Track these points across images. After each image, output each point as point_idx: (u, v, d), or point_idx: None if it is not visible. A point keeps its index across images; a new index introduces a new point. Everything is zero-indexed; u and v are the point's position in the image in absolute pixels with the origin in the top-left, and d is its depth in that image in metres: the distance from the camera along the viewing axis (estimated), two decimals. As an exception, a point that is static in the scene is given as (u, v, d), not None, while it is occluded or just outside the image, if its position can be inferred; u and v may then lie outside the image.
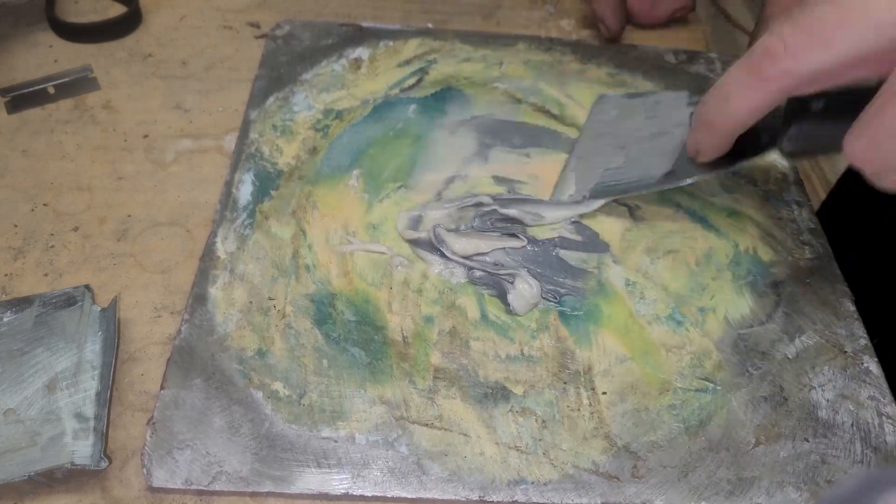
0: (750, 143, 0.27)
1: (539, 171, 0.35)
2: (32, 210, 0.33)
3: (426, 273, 0.31)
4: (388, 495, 0.25)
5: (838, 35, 0.21)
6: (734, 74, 0.24)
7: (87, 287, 0.29)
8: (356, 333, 0.29)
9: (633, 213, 0.34)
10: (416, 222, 0.33)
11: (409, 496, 0.25)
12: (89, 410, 0.25)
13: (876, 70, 0.22)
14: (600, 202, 0.32)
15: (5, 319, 0.28)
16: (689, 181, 0.30)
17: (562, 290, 0.31)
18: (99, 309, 0.28)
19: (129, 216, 0.33)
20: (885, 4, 0.20)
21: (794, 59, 0.22)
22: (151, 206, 0.34)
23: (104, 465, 0.24)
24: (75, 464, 0.24)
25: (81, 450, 0.24)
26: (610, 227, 0.33)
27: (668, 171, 0.30)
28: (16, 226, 0.32)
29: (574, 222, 0.33)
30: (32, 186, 0.34)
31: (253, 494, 0.25)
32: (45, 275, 0.31)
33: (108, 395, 0.26)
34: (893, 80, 0.21)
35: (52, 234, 0.32)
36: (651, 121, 0.33)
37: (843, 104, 0.24)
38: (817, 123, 0.25)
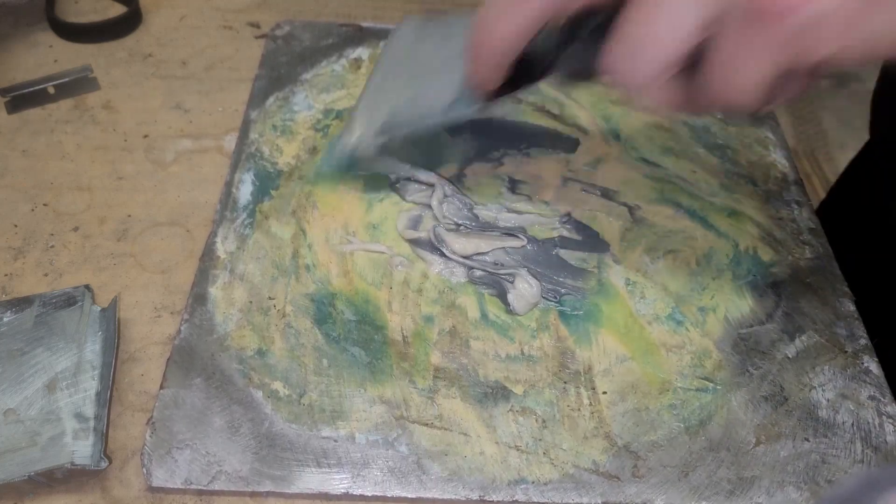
0: (528, 69, 0.25)
1: (540, 171, 0.35)
2: (32, 210, 0.33)
3: (426, 273, 0.31)
4: (388, 495, 0.25)
5: None
6: (496, 2, 0.23)
7: (87, 287, 0.29)
8: (356, 333, 0.29)
9: (632, 213, 0.34)
10: (416, 222, 0.33)
11: (409, 496, 0.25)
12: (89, 410, 0.25)
13: None
14: (382, 138, 0.31)
15: (5, 319, 0.28)
16: (468, 112, 0.28)
17: (562, 290, 0.31)
18: (99, 309, 0.28)
19: (129, 216, 0.33)
20: None
21: None
22: (151, 206, 0.34)
23: (104, 465, 0.24)
24: (75, 464, 0.24)
25: (81, 450, 0.24)
26: (610, 227, 0.33)
27: (452, 102, 0.29)
28: (16, 226, 0.32)
29: (574, 221, 0.33)
30: (32, 186, 0.34)
31: (253, 494, 0.25)
32: (45, 275, 0.31)
33: (108, 395, 0.26)
34: None
35: (52, 234, 0.32)
36: (444, 47, 0.30)
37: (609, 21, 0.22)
38: (592, 44, 0.23)
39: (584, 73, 0.24)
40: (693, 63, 0.21)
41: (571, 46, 0.24)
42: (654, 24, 0.20)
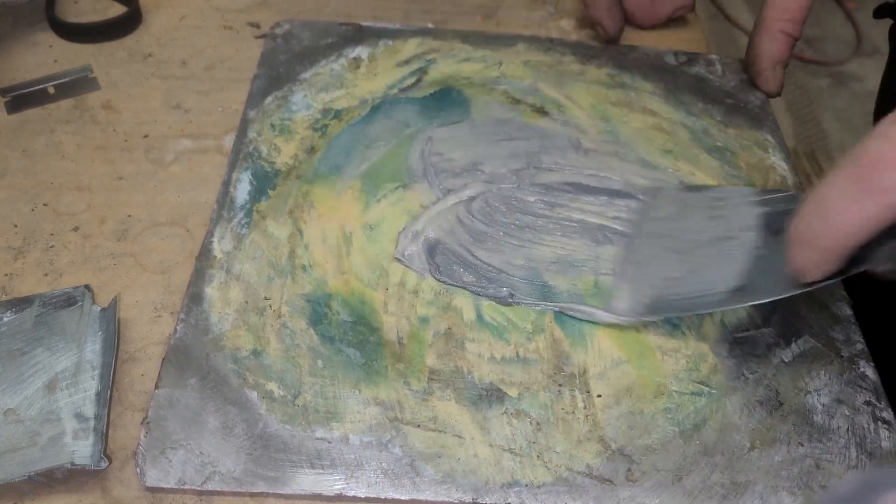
0: (858, 259, 0.23)
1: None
2: (32, 210, 0.33)
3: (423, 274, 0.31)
4: (382, 497, 0.25)
5: None
6: (838, 185, 0.21)
7: (87, 287, 0.29)
8: (351, 334, 0.29)
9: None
10: (415, 239, 0.32)
11: (403, 497, 0.25)
12: (89, 410, 0.25)
13: None
14: (657, 317, 0.29)
15: (5, 319, 0.28)
16: (766, 300, 0.26)
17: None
18: (99, 309, 0.28)
19: (129, 216, 0.33)
20: None
21: None
22: (151, 206, 0.34)
23: (104, 465, 0.24)
24: (75, 464, 0.24)
25: (81, 450, 0.24)
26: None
27: (739, 286, 0.27)
28: (16, 226, 0.33)
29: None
30: (32, 186, 0.34)
31: (253, 495, 0.25)
32: (45, 275, 0.31)
33: (108, 395, 0.26)
34: None
35: (52, 234, 0.32)
36: (713, 221, 0.29)
37: None
38: None
39: None
40: None
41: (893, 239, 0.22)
42: None
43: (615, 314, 0.29)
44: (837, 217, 0.21)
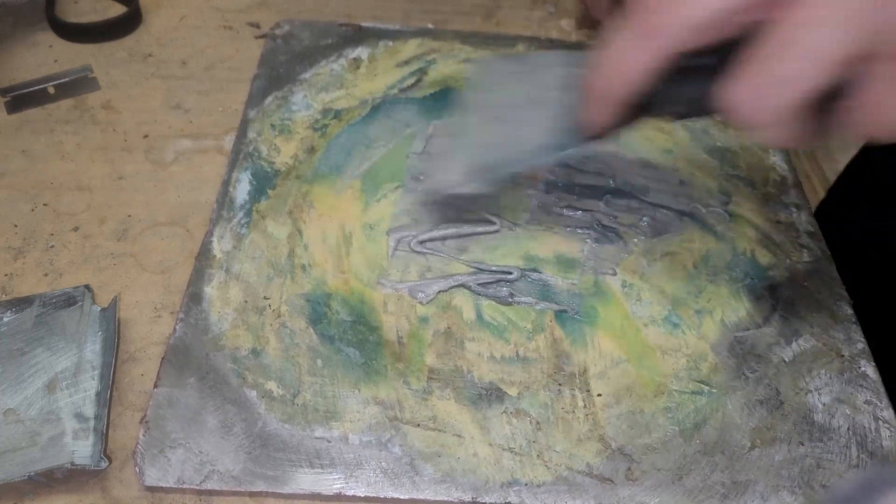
0: (641, 107, 0.24)
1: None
2: (32, 210, 0.33)
3: (423, 274, 0.31)
4: (381, 496, 0.25)
5: None
6: (619, 35, 0.21)
7: (87, 287, 0.29)
8: (351, 333, 0.29)
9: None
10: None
11: (402, 497, 0.25)
12: (89, 410, 0.25)
13: (765, 12, 0.19)
14: (477, 184, 0.30)
15: (5, 319, 0.28)
16: (571, 151, 0.28)
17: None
18: (99, 309, 0.28)
19: (129, 216, 0.33)
20: None
21: (677, 12, 0.20)
22: (151, 206, 0.34)
23: (104, 465, 0.24)
24: (75, 464, 0.24)
25: (81, 450, 0.24)
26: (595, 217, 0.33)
27: (549, 142, 0.27)
28: (16, 226, 0.33)
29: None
30: (32, 186, 0.34)
31: (252, 494, 0.25)
32: (45, 275, 0.31)
33: (108, 395, 0.26)
34: (784, 23, 0.18)
35: (52, 234, 0.32)
36: (524, 86, 0.29)
37: (725, 57, 0.20)
38: (707, 79, 0.21)
39: (699, 110, 0.23)
40: (826, 98, 0.20)
41: (687, 82, 0.22)
42: (788, 62, 0.19)
43: (436, 185, 0.30)
44: (615, 66, 0.22)
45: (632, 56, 0.21)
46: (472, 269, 0.31)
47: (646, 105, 0.23)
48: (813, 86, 0.19)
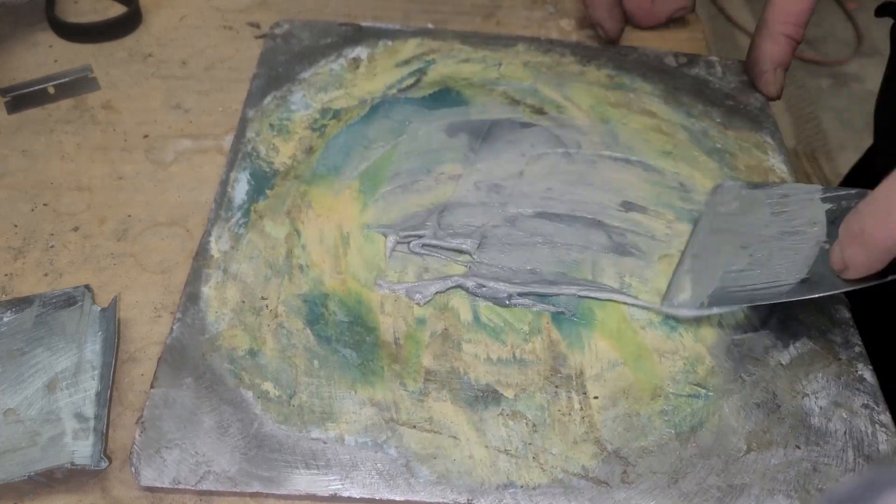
0: None
1: (536, 171, 0.35)
2: (32, 210, 0.33)
3: (421, 275, 0.31)
4: (377, 497, 0.25)
5: None
6: None
7: (87, 287, 0.29)
8: (348, 334, 0.29)
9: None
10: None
11: (398, 498, 0.25)
12: (89, 410, 0.26)
13: None
14: (720, 310, 0.29)
15: (5, 319, 0.28)
16: (830, 293, 0.27)
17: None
18: (99, 309, 0.28)
19: (129, 216, 0.33)
20: None
21: None
22: (151, 206, 0.34)
23: (104, 465, 0.24)
24: (75, 464, 0.24)
25: (81, 450, 0.25)
26: (602, 231, 0.33)
27: (804, 279, 0.27)
28: (16, 226, 0.33)
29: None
30: (32, 186, 0.34)
31: (248, 495, 0.25)
32: (45, 275, 0.31)
33: (108, 395, 0.26)
34: None
35: (52, 234, 0.33)
36: (778, 217, 0.29)
37: None
38: None
39: None
40: None
41: None
42: None
43: (676, 307, 0.29)
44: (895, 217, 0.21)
45: None
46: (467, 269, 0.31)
47: None
48: None
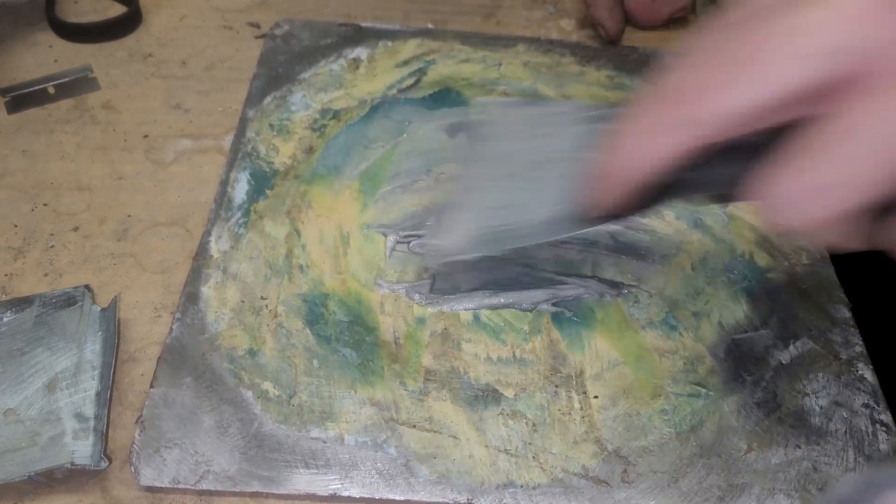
0: (658, 192, 0.21)
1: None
2: (32, 210, 0.33)
3: (421, 275, 0.31)
4: (376, 497, 0.25)
5: (770, 68, 0.16)
6: (638, 119, 0.19)
7: (87, 287, 0.29)
8: (348, 334, 0.29)
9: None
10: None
11: (397, 498, 0.25)
12: (89, 410, 0.26)
13: (808, 110, 0.17)
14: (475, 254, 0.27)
15: (5, 319, 0.28)
16: (569, 234, 0.25)
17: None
18: (99, 309, 0.28)
19: (129, 216, 0.33)
20: (835, 25, 0.15)
21: (710, 100, 0.17)
22: (151, 206, 0.34)
23: (104, 465, 0.24)
24: (75, 464, 0.24)
25: (81, 450, 0.25)
26: (605, 230, 0.33)
27: (554, 217, 0.24)
28: (16, 226, 0.33)
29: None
30: (32, 186, 0.34)
31: (248, 494, 0.25)
32: (45, 275, 0.31)
33: (108, 395, 0.26)
34: (842, 118, 0.16)
35: (52, 234, 0.33)
36: (542, 140, 0.26)
37: (766, 140, 0.18)
38: (738, 166, 0.19)
39: (724, 197, 0.21)
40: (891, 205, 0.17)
41: (714, 170, 0.20)
42: (846, 162, 0.16)
43: (445, 250, 0.27)
44: (635, 148, 0.19)
45: (656, 140, 0.18)
46: None
47: (666, 188, 0.21)
48: (873, 192, 0.16)
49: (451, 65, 0.40)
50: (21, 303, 0.29)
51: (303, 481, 0.25)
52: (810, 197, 0.17)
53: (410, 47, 0.40)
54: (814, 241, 0.18)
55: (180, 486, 0.25)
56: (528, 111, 0.29)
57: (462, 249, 0.27)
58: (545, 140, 0.26)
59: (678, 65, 0.18)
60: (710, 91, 0.17)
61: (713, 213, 0.34)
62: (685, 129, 0.18)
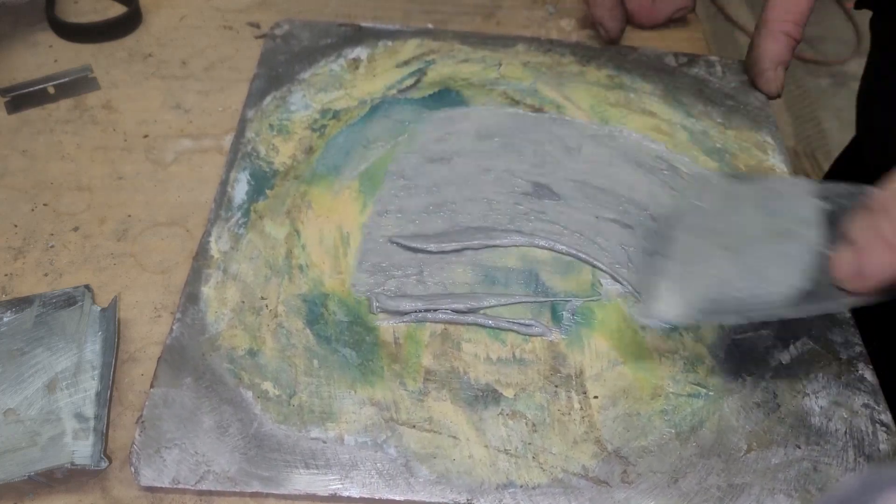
0: None
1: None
2: (32, 210, 0.33)
3: (420, 276, 0.31)
4: (376, 497, 0.25)
5: None
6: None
7: (87, 287, 0.29)
8: (347, 334, 0.29)
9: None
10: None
11: (397, 498, 0.25)
12: (89, 410, 0.26)
13: None
14: (708, 321, 0.26)
15: (5, 319, 0.28)
16: (839, 310, 0.24)
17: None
18: (99, 309, 0.28)
19: (129, 216, 0.33)
20: None
21: None
22: (151, 206, 0.34)
23: (104, 465, 0.24)
24: (75, 464, 0.24)
25: (81, 450, 0.25)
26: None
27: (806, 290, 0.23)
28: (16, 226, 0.33)
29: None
30: (32, 186, 0.34)
31: (248, 495, 0.25)
32: (45, 275, 0.31)
33: (108, 395, 0.26)
34: None
35: (52, 234, 0.33)
36: (766, 215, 0.25)
37: None
38: None
39: None
40: None
41: None
42: None
43: (662, 317, 0.26)
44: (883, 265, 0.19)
45: None
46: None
47: None
48: None
49: (451, 65, 0.40)
50: (21, 303, 0.29)
51: (303, 481, 0.25)
52: None
53: (410, 47, 0.40)
54: None
55: (180, 486, 0.25)
56: (743, 186, 0.27)
57: (681, 316, 0.25)
58: (766, 216, 0.25)
59: None
60: None
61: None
62: None
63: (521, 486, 0.25)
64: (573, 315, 0.30)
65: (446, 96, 0.38)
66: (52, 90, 0.38)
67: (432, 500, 0.25)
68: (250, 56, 0.40)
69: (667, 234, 0.28)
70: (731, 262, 0.25)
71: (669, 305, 0.26)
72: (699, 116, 0.38)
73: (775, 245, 0.25)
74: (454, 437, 0.26)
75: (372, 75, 0.39)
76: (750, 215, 0.26)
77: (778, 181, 0.29)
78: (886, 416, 0.28)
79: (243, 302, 0.30)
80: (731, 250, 0.25)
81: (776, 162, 0.36)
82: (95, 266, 0.31)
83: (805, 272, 0.23)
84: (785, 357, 0.29)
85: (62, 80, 0.37)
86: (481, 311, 0.30)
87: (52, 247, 0.32)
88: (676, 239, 0.28)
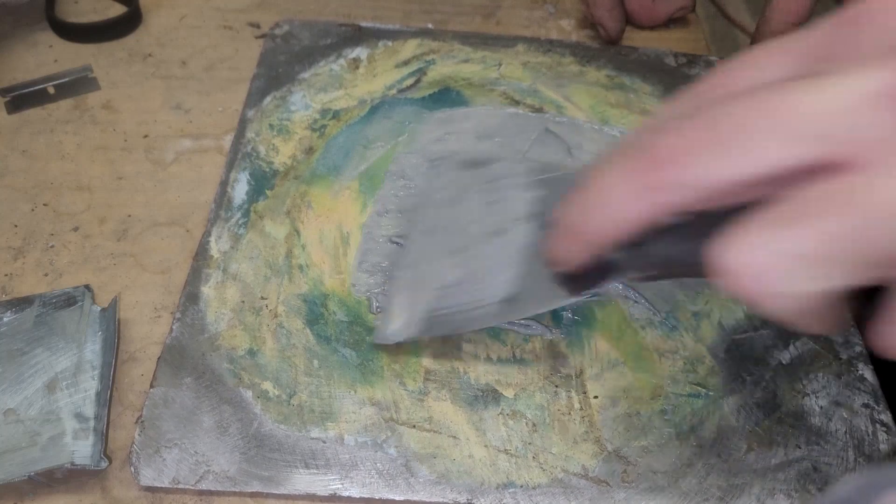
0: (619, 260, 0.19)
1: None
2: (32, 210, 0.33)
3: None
4: (376, 497, 0.25)
5: (762, 143, 0.15)
6: (616, 176, 0.18)
7: (87, 287, 0.29)
8: (348, 334, 0.29)
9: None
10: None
11: (397, 498, 0.25)
12: (89, 410, 0.26)
13: (783, 188, 0.15)
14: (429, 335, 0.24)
15: (5, 319, 0.28)
16: (526, 314, 0.23)
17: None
18: (99, 309, 0.28)
19: (129, 216, 0.33)
20: (831, 113, 0.15)
21: (696, 166, 0.16)
22: (151, 206, 0.34)
23: (104, 465, 0.24)
24: (75, 464, 0.24)
25: (81, 450, 0.25)
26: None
27: (510, 295, 0.22)
28: (16, 226, 0.33)
29: None
30: (32, 186, 0.34)
31: (248, 495, 0.25)
32: (45, 275, 0.31)
33: (108, 395, 0.26)
34: (820, 194, 0.15)
35: (52, 234, 0.33)
36: (489, 208, 0.24)
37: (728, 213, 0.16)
38: (702, 238, 0.17)
39: (687, 271, 0.19)
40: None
41: (672, 239, 0.18)
42: (821, 235, 0.15)
43: (385, 337, 0.25)
44: (608, 204, 0.18)
45: (628, 199, 0.17)
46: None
47: (614, 263, 0.19)
48: (856, 273, 0.15)
49: (451, 65, 0.40)
50: (21, 303, 0.29)
51: (303, 481, 0.25)
52: (776, 267, 0.15)
53: (410, 47, 0.40)
54: (778, 317, 0.17)
55: (180, 486, 0.25)
56: (474, 172, 0.25)
57: (403, 333, 0.25)
58: (489, 209, 0.23)
59: (658, 128, 0.17)
60: (697, 157, 0.16)
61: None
62: (665, 191, 0.17)
63: (521, 486, 0.25)
64: (573, 315, 0.30)
65: (446, 96, 0.38)
66: (52, 90, 0.38)
67: (432, 500, 0.25)
68: (250, 56, 0.40)
69: (407, 238, 0.26)
70: (455, 266, 0.24)
71: (397, 319, 0.24)
72: (699, 116, 0.38)
73: (491, 245, 0.23)
74: (454, 437, 0.26)
75: (372, 75, 0.39)
76: (475, 209, 0.24)
77: (502, 166, 0.25)
78: (886, 416, 0.28)
79: (243, 302, 0.30)
80: (455, 253, 0.24)
81: None
82: (95, 266, 0.31)
83: (513, 274, 0.22)
84: (785, 357, 0.29)
85: (62, 80, 0.37)
86: None
87: (52, 247, 0.32)
88: (410, 240, 0.26)
